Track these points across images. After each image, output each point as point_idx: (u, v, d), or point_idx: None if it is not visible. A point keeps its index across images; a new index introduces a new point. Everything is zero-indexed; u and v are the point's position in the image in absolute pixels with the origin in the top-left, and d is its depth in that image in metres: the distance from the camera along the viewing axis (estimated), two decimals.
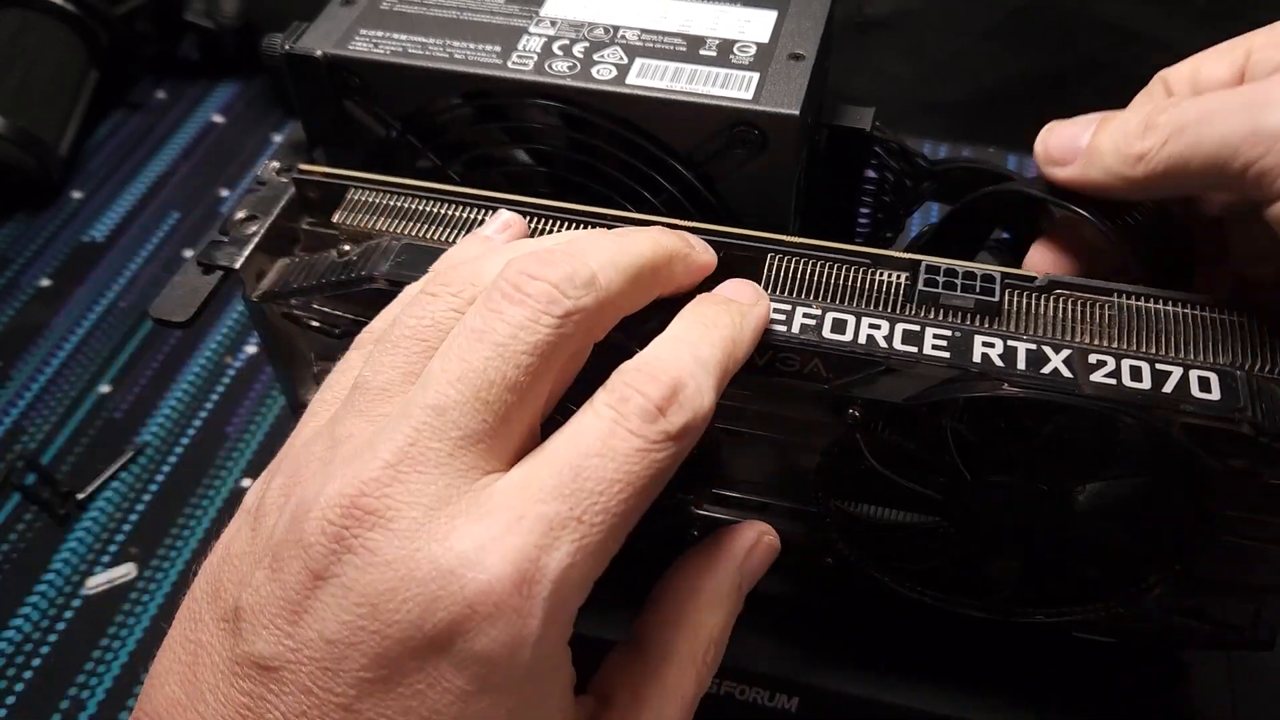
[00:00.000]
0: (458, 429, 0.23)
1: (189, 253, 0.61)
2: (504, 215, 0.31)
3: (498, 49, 0.37)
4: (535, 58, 0.37)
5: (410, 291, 0.27)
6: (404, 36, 0.38)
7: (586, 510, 0.22)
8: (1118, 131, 0.30)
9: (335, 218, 0.34)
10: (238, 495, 0.49)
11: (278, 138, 0.69)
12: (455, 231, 0.33)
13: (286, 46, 0.37)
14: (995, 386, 0.28)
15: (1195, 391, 0.27)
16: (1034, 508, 0.32)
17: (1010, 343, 0.29)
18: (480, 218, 0.34)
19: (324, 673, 0.21)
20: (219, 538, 0.25)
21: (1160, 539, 0.32)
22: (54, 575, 0.47)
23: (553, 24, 0.38)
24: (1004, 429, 0.30)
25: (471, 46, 0.37)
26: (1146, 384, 0.28)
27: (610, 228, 0.33)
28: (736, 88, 0.35)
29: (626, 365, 0.25)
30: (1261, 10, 0.34)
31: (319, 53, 0.37)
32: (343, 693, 0.21)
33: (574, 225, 0.33)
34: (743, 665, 0.37)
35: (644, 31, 0.38)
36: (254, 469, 0.50)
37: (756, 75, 0.35)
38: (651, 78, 0.36)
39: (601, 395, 0.24)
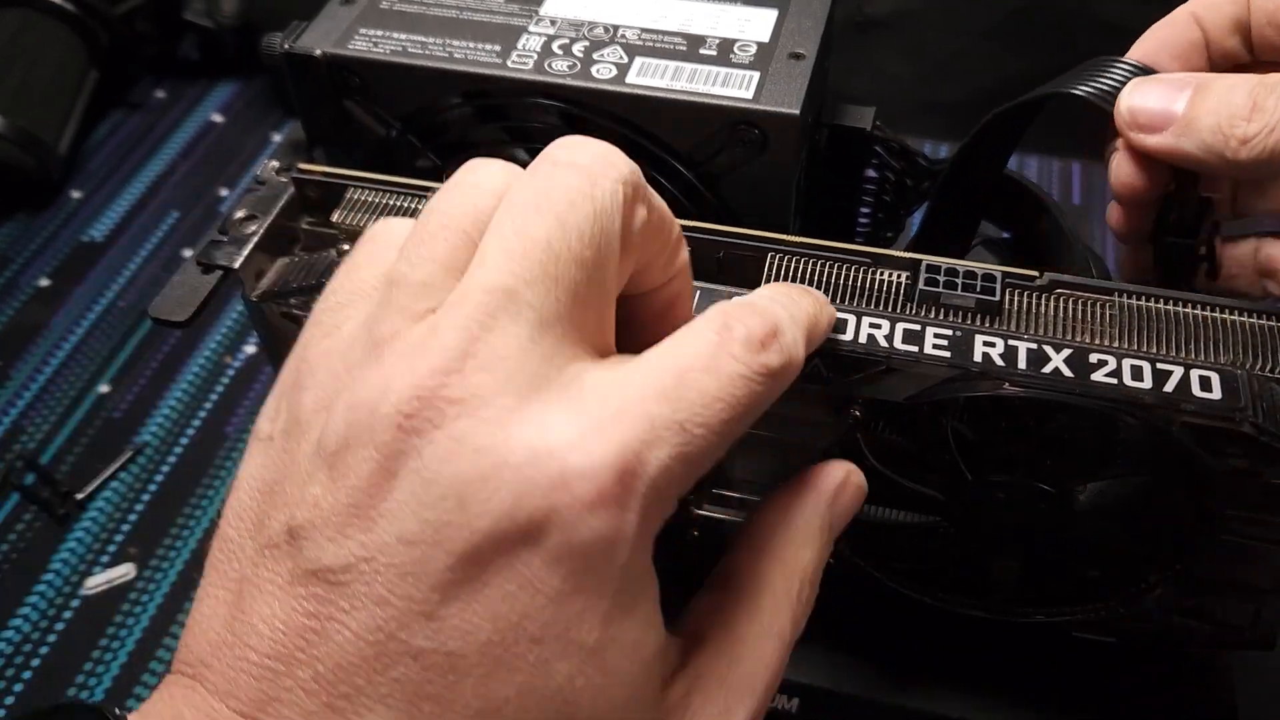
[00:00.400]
0: (532, 309, 0.21)
1: (188, 252, 0.61)
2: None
3: (497, 48, 0.37)
4: (535, 57, 0.37)
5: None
6: (404, 36, 0.38)
7: (690, 418, 0.21)
8: (1222, 107, 0.29)
9: (335, 217, 0.34)
10: None
11: (277, 137, 0.69)
12: None
13: (286, 46, 0.37)
14: (996, 386, 0.28)
15: (1196, 391, 0.27)
16: (1034, 507, 0.32)
17: (1011, 342, 0.29)
18: None
19: (403, 579, 0.19)
20: (234, 478, 0.23)
21: (1160, 539, 0.32)
22: (53, 575, 0.47)
23: (552, 23, 0.38)
24: (1005, 428, 0.30)
25: (471, 46, 0.37)
26: (1147, 383, 0.28)
27: None
28: (737, 87, 0.35)
29: (723, 302, 0.24)
30: None
31: (318, 52, 0.37)
32: (424, 599, 0.19)
33: None
34: None
35: (644, 30, 0.38)
36: None
37: (757, 74, 0.35)
38: (651, 77, 0.35)
39: (701, 321, 0.23)
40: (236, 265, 0.32)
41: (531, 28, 0.38)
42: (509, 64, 0.36)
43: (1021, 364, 0.28)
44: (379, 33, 0.38)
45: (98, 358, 0.56)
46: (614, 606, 0.21)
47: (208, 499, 0.49)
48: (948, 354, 0.28)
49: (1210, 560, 0.31)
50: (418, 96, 0.37)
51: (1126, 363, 0.28)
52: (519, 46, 0.37)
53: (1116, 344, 0.29)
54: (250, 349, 0.57)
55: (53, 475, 0.50)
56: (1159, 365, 0.28)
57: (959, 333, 0.29)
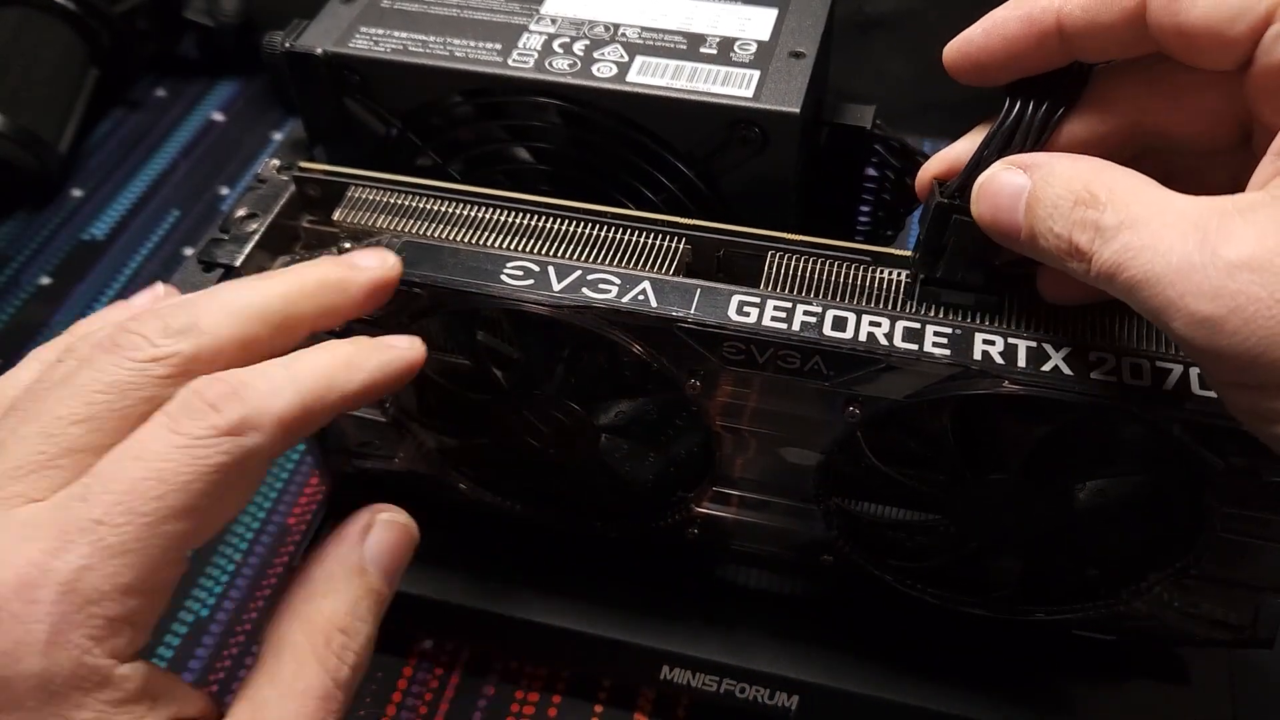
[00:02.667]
0: (13, 460, 0.23)
1: (189, 251, 0.61)
2: (157, 288, 0.30)
3: (498, 47, 0.37)
4: (536, 55, 0.37)
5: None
6: (404, 34, 0.38)
7: (108, 512, 0.22)
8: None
9: (335, 215, 0.34)
10: None
11: (278, 136, 0.69)
12: (455, 229, 0.33)
13: (287, 44, 0.37)
14: (996, 384, 0.28)
15: (1196, 389, 0.27)
16: (1034, 506, 0.32)
17: (1011, 340, 0.29)
18: (480, 214, 0.34)
19: None
20: None
21: (1160, 537, 0.32)
22: None
23: (553, 22, 0.38)
24: (1005, 426, 0.30)
25: (472, 44, 0.37)
26: (1147, 381, 0.28)
27: (609, 226, 0.33)
28: (737, 85, 0.35)
29: (192, 382, 0.24)
30: None
31: (319, 50, 0.37)
32: None
33: (574, 223, 0.33)
34: (742, 664, 0.37)
35: (644, 29, 0.38)
36: None
37: (757, 73, 0.35)
38: (652, 75, 0.36)
39: (163, 406, 0.24)
40: (238, 264, 0.33)
41: (532, 26, 0.38)
42: (510, 62, 0.36)
43: (1021, 362, 0.28)
44: (380, 31, 0.38)
45: None
46: (43, 715, 0.22)
47: None
48: (948, 352, 0.28)
49: (1210, 558, 0.31)
50: (418, 95, 0.37)
51: (1126, 361, 0.28)
52: (520, 45, 0.37)
53: (1116, 342, 0.29)
54: None
55: None
56: (1158, 363, 0.28)
57: (959, 331, 0.29)
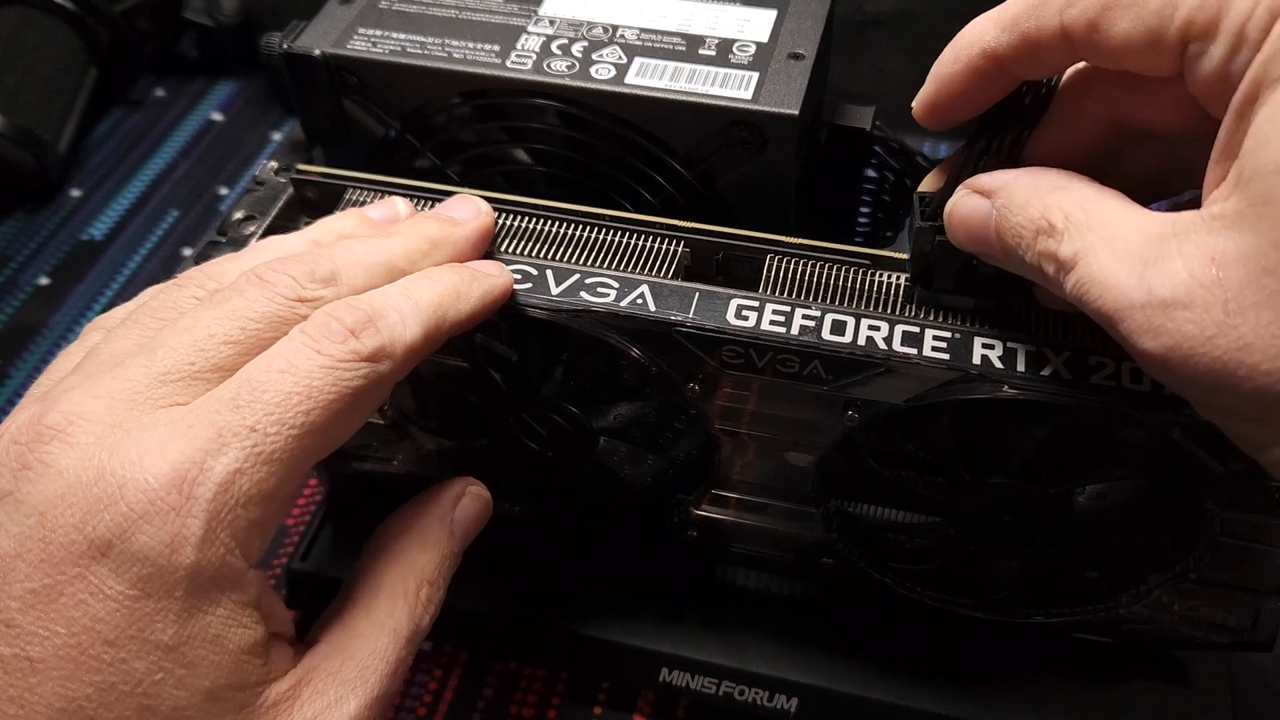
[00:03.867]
0: (163, 365, 0.24)
1: (188, 251, 0.61)
2: (396, 201, 0.33)
3: (496, 48, 0.37)
4: (534, 57, 0.37)
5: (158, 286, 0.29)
6: (402, 35, 0.37)
7: (261, 420, 0.23)
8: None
9: None
10: None
11: (277, 136, 0.69)
12: None
13: (285, 45, 0.37)
14: (995, 389, 0.28)
15: None
16: (1034, 509, 0.31)
17: (1010, 344, 0.29)
18: None
19: None
20: None
21: (1160, 540, 0.32)
22: None
23: (551, 23, 0.38)
24: (1004, 430, 0.30)
25: (470, 46, 0.37)
26: (1147, 386, 0.28)
27: (607, 229, 0.33)
28: (736, 87, 0.35)
29: (330, 304, 0.26)
30: None
31: (318, 52, 0.37)
32: (3, 607, 0.22)
33: (572, 226, 0.33)
34: (742, 666, 0.37)
35: (643, 31, 0.38)
36: None
37: (756, 75, 0.35)
38: (650, 77, 0.35)
39: (299, 324, 0.25)
40: None
41: (530, 28, 0.38)
42: (508, 64, 0.36)
43: (1020, 366, 0.28)
44: (378, 32, 0.38)
45: None
46: (189, 606, 0.23)
47: None
48: (947, 356, 0.28)
49: (1209, 562, 0.31)
50: (416, 96, 0.37)
51: (1126, 365, 0.28)
52: (518, 46, 0.37)
53: (1116, 346, 0.29)
54: None
55: None
56: None
57: (958, 335, 0.29)
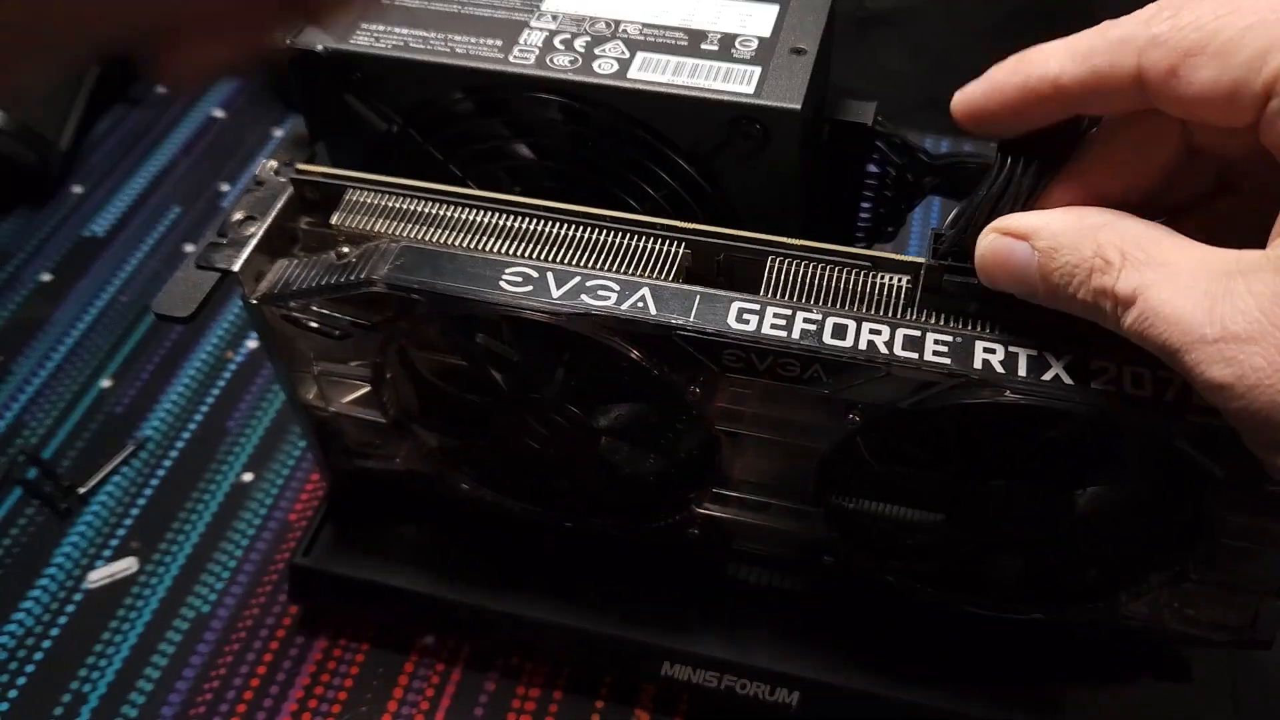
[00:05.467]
0: None
1: (190, 247, 0.61)
2: None
3: (499, 43, 0.37)
4: (537, 52, 0.37)
5: None
6: (405, 31, 0.37)
7: None
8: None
9: (334, 219, 0.34)
10: (238, 490, 0.49)
11: (279, 132, 0.69)
12: (454, 233, 0.33)
13: (288, 41, 0.37)
14: (997, 393, 0.28)
15: (1197, 399, 0.27)
16: (1035, 510, 0.31)
17: (1011, 349, 0.28)
18: (479, 218, 0.33)
19: None
20: None
21: (1161, 541, 0.32)
22: (55, 569, 0.47)
23: (554, 18, 0.38)
24: (1005, 433, 0.30)
25: (473, 41, 0.37)
26: (1148, 391, 0.27)
27: (609, 230, 0.32)
28: (738, 82, 0.35)
29: None
30: None
31: (320, 47, 0.37)
32: None
33: (574, 227, 0.33)
34: (743, 660, 0.37)
35: (645, 25, 0.38)
36: (255, 463, 0.50)
37: (758, 70, 0.35)
38: (653, 72, 0.35)
39: None
40: (235, 268, 0.32)
41: (533, 23, 0.38)
42: (511, 59, 0.36)
43: (1022, 371, 0.28)
44: (381, 27, 0.38)
45: (99, 353, 0.56)
46: None
47: (209, 494, 0.49)
48: (948, 360, 0.28)
49: (1210, 563, 0.31)
50: (419, 91, 0.37)
51: (1127, 370, 0.28)
52: (521, 41, 0.37)
53: (1117, 351, 0.29)
54: (252, 344, 0.57)
55: (55, 470, 0.50)
56: (1160, 372, 0.28)
57: (959, 339, 0.29)
